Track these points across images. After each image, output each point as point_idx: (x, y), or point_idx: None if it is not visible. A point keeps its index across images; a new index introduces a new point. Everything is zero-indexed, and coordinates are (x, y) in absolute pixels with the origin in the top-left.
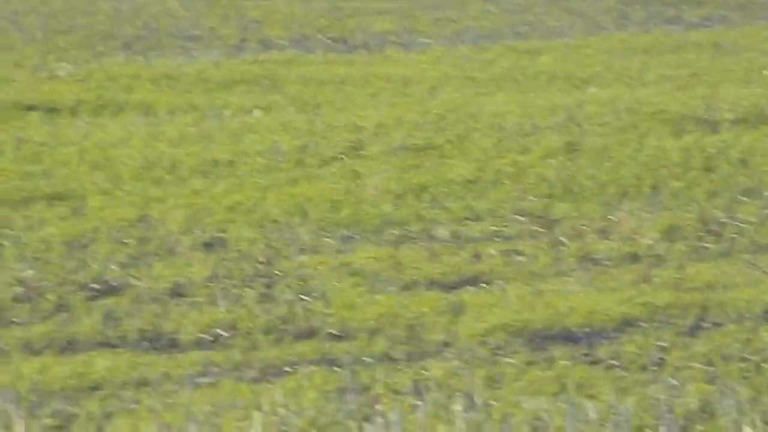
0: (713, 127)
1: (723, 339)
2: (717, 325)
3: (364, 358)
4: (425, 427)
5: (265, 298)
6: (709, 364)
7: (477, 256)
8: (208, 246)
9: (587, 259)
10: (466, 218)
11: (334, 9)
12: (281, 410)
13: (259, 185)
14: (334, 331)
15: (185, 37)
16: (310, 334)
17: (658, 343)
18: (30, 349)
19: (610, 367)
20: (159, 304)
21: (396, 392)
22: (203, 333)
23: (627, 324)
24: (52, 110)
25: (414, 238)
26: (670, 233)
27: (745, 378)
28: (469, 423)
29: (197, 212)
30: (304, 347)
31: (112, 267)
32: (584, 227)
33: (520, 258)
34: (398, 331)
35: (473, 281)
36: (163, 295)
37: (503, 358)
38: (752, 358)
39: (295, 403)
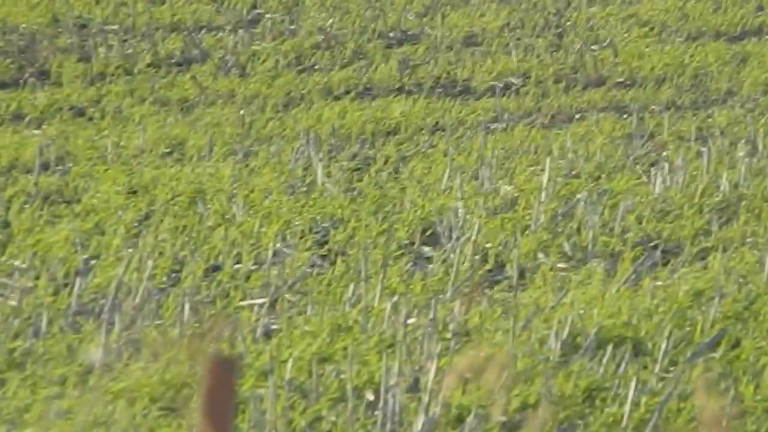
0: None
1: None
2: None
3: (651, 106)
4: (709, 172)
5: (556, 47)
6: None
7: (761, 9)
8: None
9: None
10: None
11: None
12: (571, 155)
13: None
14: (622, 80)
15: None
16: (599, 82)
17: None
18: (330, 94)
19: None
20: (453, 53)
21: (681, 138)
22: (496, 81)
23: None
24: None
25: None
26: None
27: None
28: (752, 168)
29: None
30: (594, 95)
31: (409, 17)
32: None
33: None
34: (684, 80)
35: (757, 32)
36: (457, 43)
37: None
38: None
39: (584, 148)
